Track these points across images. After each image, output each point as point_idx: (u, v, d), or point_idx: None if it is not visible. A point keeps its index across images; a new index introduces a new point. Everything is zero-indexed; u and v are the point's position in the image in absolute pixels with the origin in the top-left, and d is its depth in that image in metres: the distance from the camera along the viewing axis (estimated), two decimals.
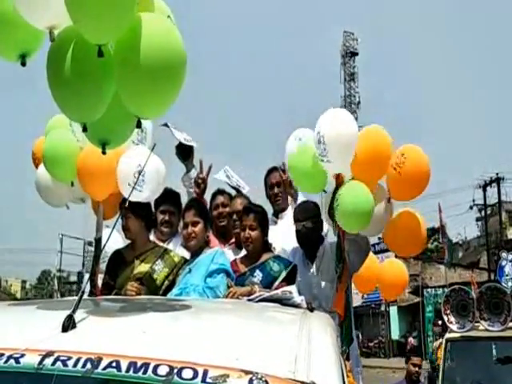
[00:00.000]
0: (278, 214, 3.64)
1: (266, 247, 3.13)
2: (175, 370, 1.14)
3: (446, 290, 12.86)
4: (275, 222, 3.59)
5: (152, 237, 3.36)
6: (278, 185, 3.62)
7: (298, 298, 2.21)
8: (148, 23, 1.60)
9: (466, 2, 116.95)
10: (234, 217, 3.42)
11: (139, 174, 2.56)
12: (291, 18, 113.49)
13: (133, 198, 2.69)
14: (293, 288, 2.34)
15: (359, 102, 50.65)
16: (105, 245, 2.12)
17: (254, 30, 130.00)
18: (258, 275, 2.96)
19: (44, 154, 2.70)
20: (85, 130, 1.73)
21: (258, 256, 3.06)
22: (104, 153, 1.79)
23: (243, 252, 3.20)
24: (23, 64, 1.77)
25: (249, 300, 2.33)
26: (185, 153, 3.65)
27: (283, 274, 2.96)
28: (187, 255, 3.14)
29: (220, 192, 3.68)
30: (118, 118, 1.75)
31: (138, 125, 1.68)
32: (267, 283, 2.89)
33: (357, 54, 52.26)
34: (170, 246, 3.32)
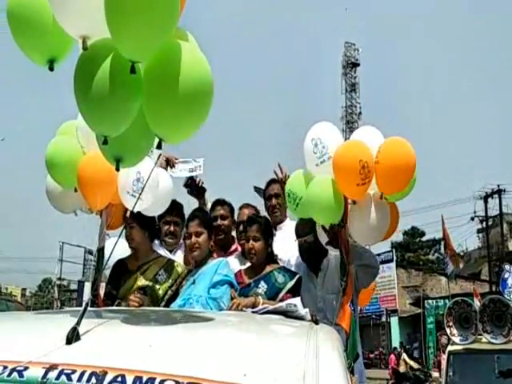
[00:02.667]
0: (275, 225, 3.59)
1: (271, 258, 3.11)
2: None
3: (448, 301, 12.79)
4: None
5: (159, 247, 3.35)
6: (277, 196, 3.61)
7: (303, 311, 2.19)
8: (181, 49, 1.60)
9: (467, 13, 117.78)
10: (241, 227, 3.41)
11: (138, 182, 2.57)
12: (292, 29, 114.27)
13: (134, 208, 2.64)
14: (297, 300, 2.32)
15: (360, 113, 50.81)
16: (110, 255, 2.10)
17: (254, 40, 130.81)
18: (263, 286, 2.94)
19: (46, 159, 2.69)
20: (105, 143, 1.72)
21: (262, 267, 3.04)
22: (118, 169, 1.78)
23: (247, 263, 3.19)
24: (51, 69, 1.78)
25: (253, 312, 2.31)
26: (197, 192, 3.65)
27: (288, 286, 2.94)
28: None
29: (219, 203, 3.61)
30: (136, 136, 1.74)
31: (159, 146, 1.68)
32: (272, 294, 2.87)
33: (358, 64, 52.50)
34: (176, 257, 3.31)
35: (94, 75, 1.60)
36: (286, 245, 3.32)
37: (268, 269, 3.03)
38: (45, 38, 1.76)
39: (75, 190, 2.72)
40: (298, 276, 3.04)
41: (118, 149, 1.76)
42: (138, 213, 2.79)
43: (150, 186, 2.58)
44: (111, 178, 2.59)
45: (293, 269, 3.26)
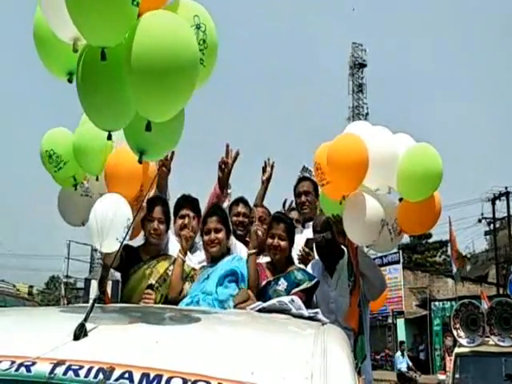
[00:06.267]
0: (304, 222, 3.67)
1: (291, 259, 3.14)
2: (189, 383, 1.12)
3: (454, 303, 12.71)
4: (301, 231, 3.60)
5: (177, 243, 3.35)
6: (306, 193, 3.68)
7: (299, 310, 2.17)
8: (152, 22, 1.53)
9: (477, 13, 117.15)
10: (257, 223, 3.43)
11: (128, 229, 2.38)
12: (300, 29, 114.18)
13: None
14: (287, 298, 2.30)
15: (367, 114, 50.65)
16: (118, 252, 2.09)
17: (261, 40, 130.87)
18: (283, 283, 2.96)
19: (74, 144, 2.65)
20: (109, 138, 1.73)
21: (284, 266, 3.07)
22: (140, 162, 1.77)
23: (260, 258, 3.20)
24: (70, 81, 1.82)
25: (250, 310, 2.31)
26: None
27: (305, 285, 2.94)
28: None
29: (243, 201, 3.70)
30: (160, 130, 1.71)
31: (148, 127, 1.62)
32: (291, 291, 2.88)
33: (365, 65, 52.34)
34: (195, 257, 3.30)
35: (81, 71, 1.65)
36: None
37: (289, 269, 3.05)
38: (63, 53, 1.81)
39: (96, 179, 2.73)
40: (316, 279, 3.04)
41: (142, 141, 1.74)
42: (167, 209, 2.94)
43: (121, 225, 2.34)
44: (137, 172, 2.57)
45: (309, 266, 3.26)
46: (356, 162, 2.65)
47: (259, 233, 3.06)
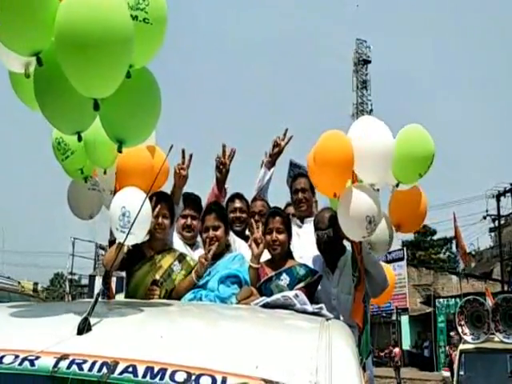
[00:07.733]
0: (302, 219, 3.65)
1: (290, 254, 3.10)
2: (193, 377, 1.12)
3: (459, 300, 12.70)
4: (299, 226, 3.59)
5: (179, 240, 3.34)
6: (303, 191, 3.65)
7: (303, 306, 2.16)
8: (70, 4, 1.49)
9: (480, 13, 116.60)
10: (256, 217, 3.41)
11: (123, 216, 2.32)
12: (303, 25, 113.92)
13: (128, 242, 2.35)
14: (291, 293, 2.29)
15: (371, 110, 50.53)
16: (121, 247, 2.09)
17: (263, 37, 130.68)
18: (285, 279, 2.92)
19: (85, 136, 2.66)
20: (79, 139, 1.74)
21: (283, 261, 3.03)
22: (120, 151, 1.77)
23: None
24: None
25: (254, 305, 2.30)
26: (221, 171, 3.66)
27: (308, 280, 2.92)
28: None
29: (238, 196, 3.66)
30: (137, 118, 1.74)
31: (96, 107, 1.58)
32: (294, 287, 2.85)
33: (369, 61, 52.23)
34: (196, 254, 3.30)
35: (34, 86, 1.70)
36: (313, 237, 3.28)
37: (289, 263, 3.02)
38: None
39: (104, 172, 2.73)
40: (319, 274, 3.02)
41: (118, 130, 1.74)
42: (171, 204, 2.92)
43: (140, 220, 2.18)
44: (147, 167, 2.56)
45: (310, 262, 3.23)
46: (336, 158, 2.67)
47: (261, 246, 2.94)
